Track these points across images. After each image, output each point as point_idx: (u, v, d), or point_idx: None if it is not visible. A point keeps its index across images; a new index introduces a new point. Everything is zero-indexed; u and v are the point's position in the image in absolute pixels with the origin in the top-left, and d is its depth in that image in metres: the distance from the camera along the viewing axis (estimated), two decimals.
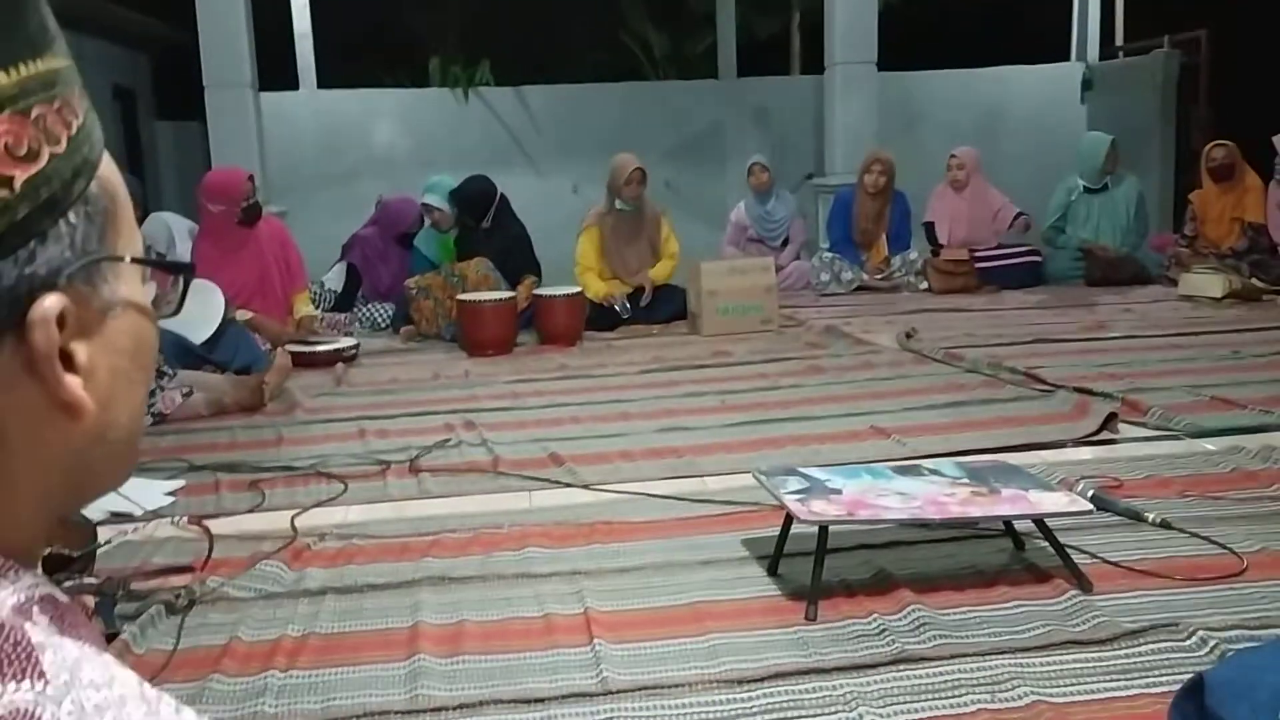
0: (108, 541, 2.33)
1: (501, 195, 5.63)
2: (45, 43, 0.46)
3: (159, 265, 0.53)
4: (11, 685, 0.42)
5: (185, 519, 2.57)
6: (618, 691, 1.73)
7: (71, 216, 0.47)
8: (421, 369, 4.63)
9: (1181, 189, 7.40)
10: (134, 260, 0.51)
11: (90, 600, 1.91)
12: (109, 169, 0.50)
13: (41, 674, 0.43)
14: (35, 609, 0.45)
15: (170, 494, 2.82)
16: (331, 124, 7.92)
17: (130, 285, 0.51)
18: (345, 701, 1.73)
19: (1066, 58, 8.81)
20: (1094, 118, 8.23)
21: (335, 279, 5.91)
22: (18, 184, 0.44)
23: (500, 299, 4.99)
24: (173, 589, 2.08)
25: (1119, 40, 8.97)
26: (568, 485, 2.87)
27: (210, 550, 2.34)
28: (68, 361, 0.47)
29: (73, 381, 0.47)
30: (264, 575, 2.25)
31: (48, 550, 1.96)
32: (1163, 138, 8.11)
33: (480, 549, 2.40)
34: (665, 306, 5.59)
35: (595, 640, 1.91)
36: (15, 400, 0.46)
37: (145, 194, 4.53)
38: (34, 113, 0.45)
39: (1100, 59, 8.71)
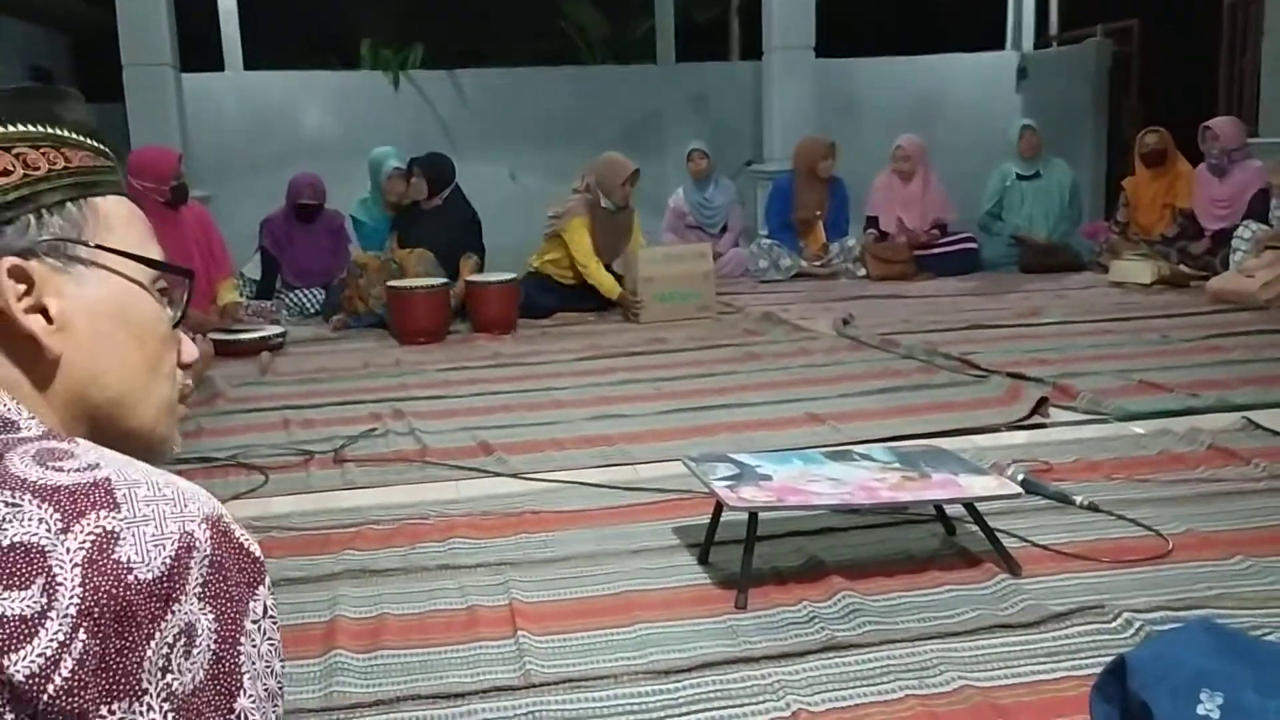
0: None
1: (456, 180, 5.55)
2: (60, 121, 0.72)
3: (137, 259, 0.72)
4: (54, 440, 0.62)
5: None
6: (541, 685, 1.68)
7: (45, 215, 0.68)
8: (351, 358, 4.53)
9: (1114, 177, 7.50)
10: (99, 247, 0.70)
11: None
12: (119, 205, 0.74)
13: (74, 442, 0.62)
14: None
15: None
16: (259, 107, 7.71)
17: (124, 270, 0.71)
18: None
19: (1002, 46, 8.89)
20: (1029, 106, 8.31)
21: (253, 268, 5.76)
22: None
23: (433, 286, 4.90)
24: None
25: (1053, 30, 9.07)
26: (496, 474, 2.81)
27: None
28: (45, 313, 0.67)
29: (33, 320, 0.66)
30: None
31: None
32: (1095, 126, 8.22)
33: (404, 541, 2.34)
34: (599, 297, 5.52)
35: (520, 632, 1.86)
36: (6, 329, 0.66)
37: None
38: (15, 150, 0.68)
39: (1035, 48, 8.81)
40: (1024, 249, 6.42)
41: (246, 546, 0.61)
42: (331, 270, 5.62)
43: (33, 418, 0.65)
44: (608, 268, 5.46)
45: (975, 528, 2.14)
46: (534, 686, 1.68)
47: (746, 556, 1.99)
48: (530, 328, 5.12)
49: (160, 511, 0.57)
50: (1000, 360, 3.83)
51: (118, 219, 0.73)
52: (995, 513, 2.21)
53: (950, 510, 2.23)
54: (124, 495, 0.57)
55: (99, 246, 0.70)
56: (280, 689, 0.64)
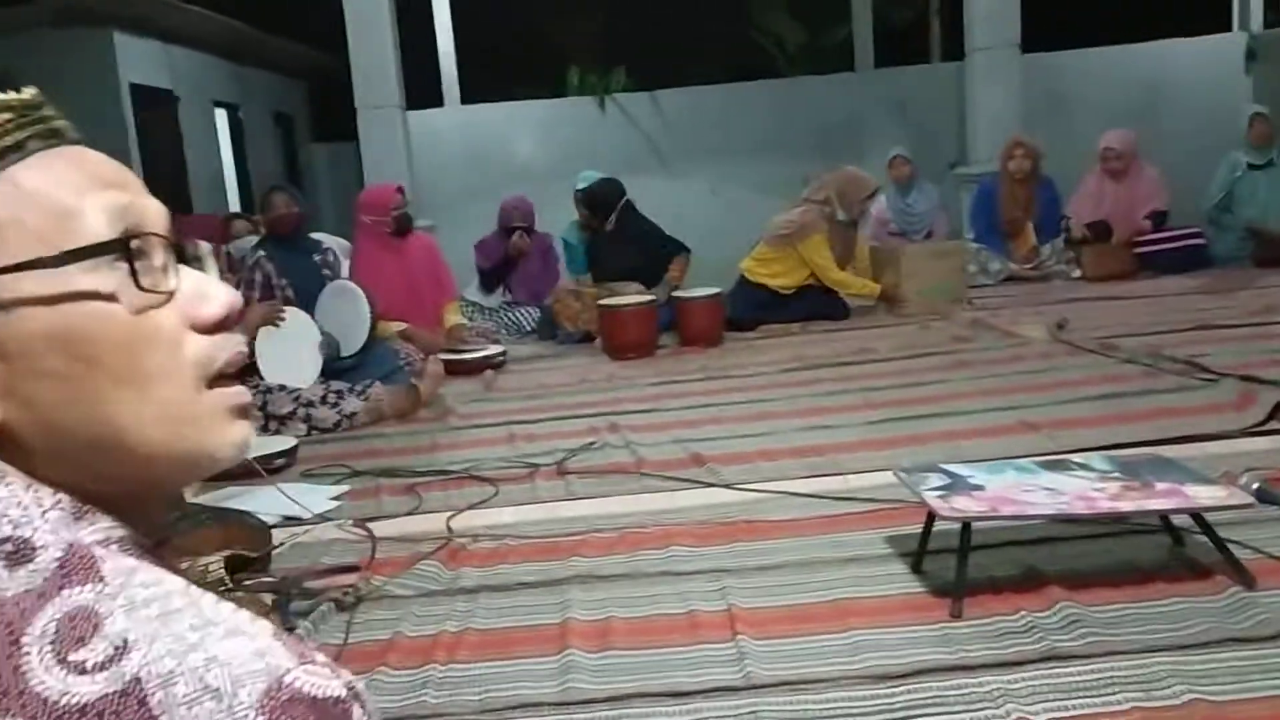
0: (282, 544, 2.50)
1: (627, 199, 5.71)
2: None
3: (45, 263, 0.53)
4: (76, 589, 0.51)
5: (350, 522, 2.73)
6: (761, 686, 1.76)
7: None
8: (566, 374, 4.75)
9: None
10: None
11: (268, 598, 2.06)
12: (31, 174, 0.55)
13: (100, 578, 0.52)
14: (113, 545, 0.54)
15: (335, 498, 3.00)
16: (476, 138, 8.18)
17: (38, 285, 0.53)
18: (501, 694, 1.81)
19: (1228, 28, 8.34)
20: (1259, 90, 7.77)
21: (474, 290, 6.12)
22: None
23: (641, 303, 5.07)
24: (341, 587, 2.22)
25: None
26: (710, 485, 2.91)
27: (374, 551, 2.49)
28: None
29: None
30: (423, 574, 2.37)
31: (228, 551, 2.12)
32: None
33: (626, 548, 2.47)
34: (806, 307, 5.56)
35: (739, 636, 1.94)
36: None
37: (305, 204, 4.77)
38: None
39: (1265, 27, 8.21)
40: (1258, 242, 6.01)
41: (323, 697, 0.50)
42: (544, 290, 5.91)
43: (42, 511, 0.54)
44: None
45: (1204, 539, 2.07)
46: (755, 688, 1.76)
47: (961, 565, 2.00)
48: (736, 340, 5.22)
49: (205, 713, 0.48)
50: (1232, 362, 3.63)
51: (24, 204, 0.54)
52: (1227, 523, 2.13)
53: (1178, 521, 2.17)
54: (160, 702, 0.48)
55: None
56: None
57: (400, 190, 5.14)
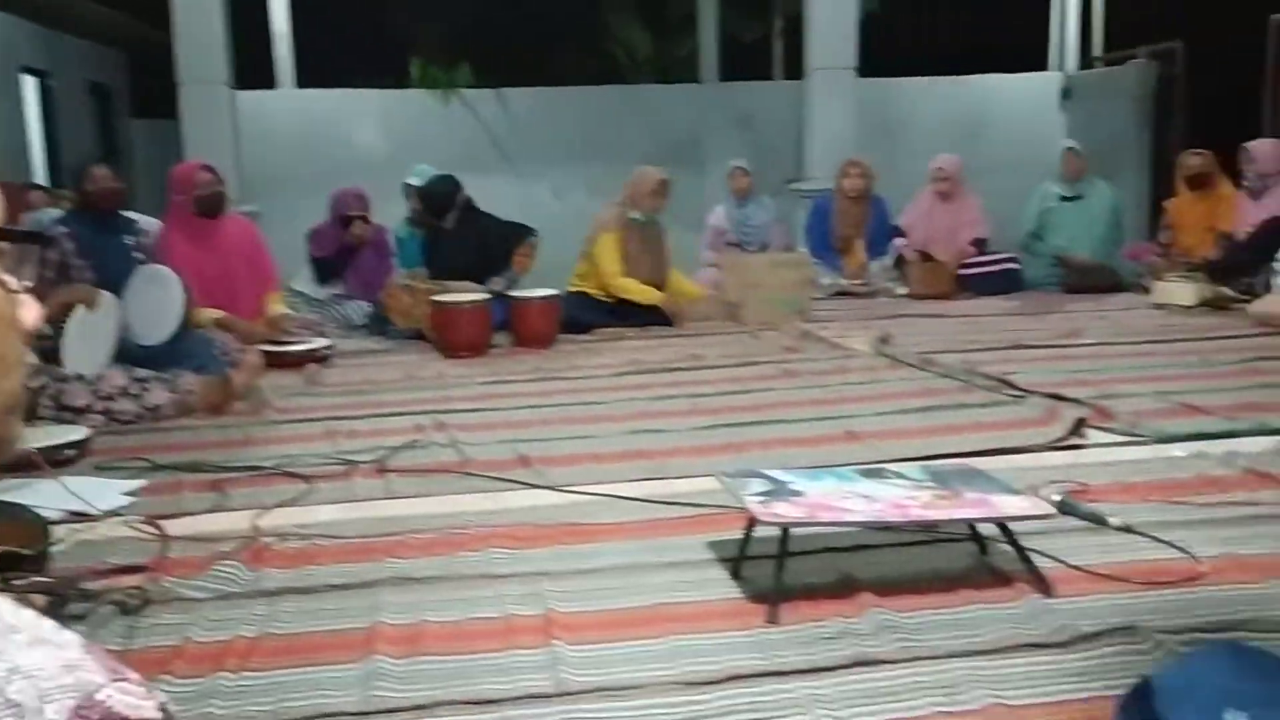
0: (61, 540, 2.30)
1: (467, 197, 5.61)
2: None
3: None
4: None
5: (140, 518, 2.54)
6: (574, 693, 1.72)
7: None
8: (395, 370, 4.61)
9: (1157, 198, 7.44)
10: None
11: (41, 599, 1.88)
12: None
13: None
14: None
15: (129, 494, 2.79)
16: (310, 124, 7.88)
17: None
18: (298, 703, 1.71)
19: (1045, 67, 8.86)
20: (1072, 127, 8.28)
21: (302, 281, 5.88)
22: None
23: (475, 301, 4.97)
24: (125, 589, 2.05)
25: (1097, 51, 9.02)
26: (535, 486, 2.85)
27: (165, 549, 2.32)
28: None
29: None
30: (221, 576, 2.22)
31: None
32: (1139, 147, 8.15)
33: (444, 550, 2.39)
34: (643, 312, 5.58)
35: (554, 642, 1.89)
36: None
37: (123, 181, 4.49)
38: None
39: (1079, 69, 8.77)
40: (1066, 269, 6.38)
41: (136, 719, 0.48)
42: (377, 284, 5.72)
43: None
44: (654, 284, 5.53)
45: (1009, 547, 2.14)
46: (567, 695, 1.71)
47: (778, 572, 2.01)
48: (571, 343, 5.17)
49: None
50: (1039, 381, 3.82)
51: None
52: (1029, 533, 2.22)
53: (984, 530, 2.24)
54: None
55: None
56: None
57: (208, 169, 4.86)
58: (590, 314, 5.49)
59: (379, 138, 8.03)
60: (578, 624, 1.98)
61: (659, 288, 5.59)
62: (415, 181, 6.05)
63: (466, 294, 5.07)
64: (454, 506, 2.71)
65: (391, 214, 6.16)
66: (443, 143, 7.67)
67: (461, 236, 5.50)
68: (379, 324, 5.49)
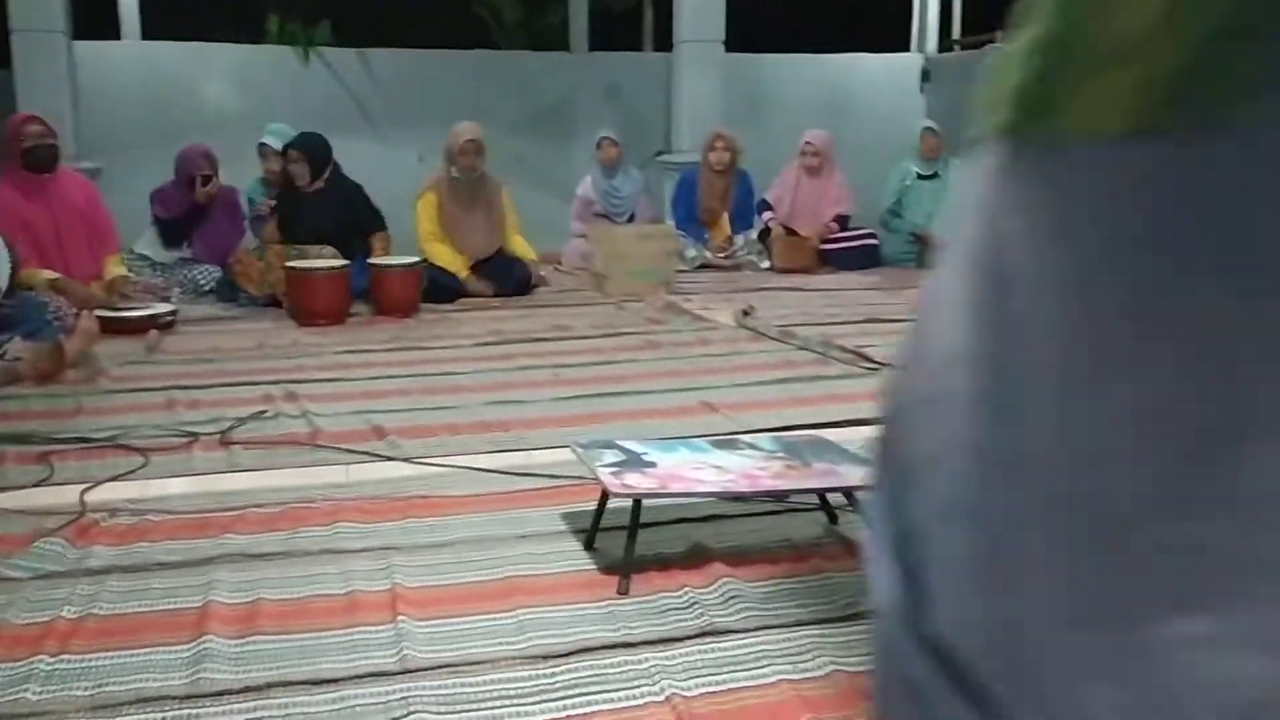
0: None
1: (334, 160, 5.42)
2: None
3: None
4: None
5: None
6: (416, 670, 1.67)
7: None
8: (245, 338, 4.42)
9: None
10: None
11: None
12: None
13: None
14: None
15: None
16: (157, 78, 7.47)
17: None
18: (118, 688, 1.61)
19: (907, 49, 9.07)
20: (931, 107, 8.51)
21: (145, 243, 5.59)
22: None
23: (333, 267, 4.81)
24: None
25: (955, 34, 9.28)
26: (388, 458, 2.78)
27: None
28: None
29: None
30: (43, 554, 2.09)
31: None
32: None
33: (288, 525, 2.30)
34: (507, 279, 5.51)
35: (400, 617, 1.84)
36: None
37: None
38: None
39: (939, 51, 9.01)
40: (922, 246, 6.57)
41: None
42: (228, 248, 5.48)
43: None
44: (473, 249, 5.44)
45: (856, 516, 2.19)
46: (410, 672, 1.67)
47: (629, 542, 2.00)
48: (433, 312, 5.06)
49: None
50: (893, 354, 3.91)
51: None
52: None
53: (834, 500, 2.28)
54: None
55: None
56: None
57: (37, 120, 4.56)
58: (454, 282, 5.38)
59: (231, 95, 7.67)
60: (425, 599, 1.94)
61: (491, 251, 5.51)
62: (271, 141, 5.81)
63: (323, 260, 4.90)
64: (301, 480, 2.61)
65: (244, 175, 5.90)
66: (301, 102, 7.37)
67: (327, 200, 5.30)
68: (229, 290, 5.27)
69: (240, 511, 2.36)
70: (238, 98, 7.63)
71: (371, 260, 5.10)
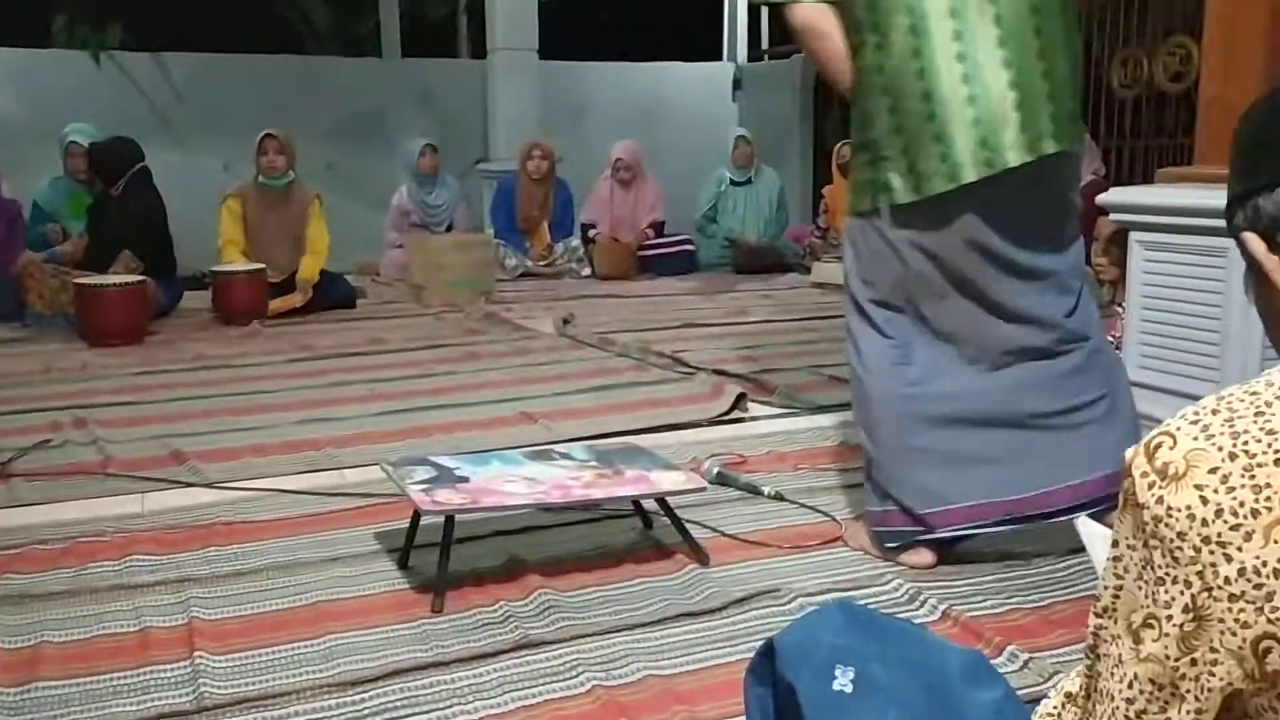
0: None
1: (144, 166, 5.14)
2: None
3: None
4: None
5: None
6: (214, 708, 1.60)
7: None
8: (29, 361, 4.14)
9: (817, 184, 8.02)
10: None
11: None
12: None
13: None
14: None
15: None
16: None
17: None
18: None
19: (720, 58, 9.30)
20: (744, 115, 8.75)
21: None
22: None
23: (127, 283, 4.55)
24: None
25: (765, 44, 9.57)
26: (188, 484, 2.65)
27: None
28: None
29: None
30: None
31: None
32: (801, 136, 8.74)
33: (74, 561, 2.16)
34: (328, 294, 5.35)
35: (196, 653, 1.75)
36: None
37: None
38: None
39: (749, 60, 9.27)
40: (736, 251, 6.75)
41: None
42: (10, 262, 5.11)
43: None
44: (275, 265, 5.25)
45: (670, 521, 2.22)
46: (206, 710, 1.59)
47: (443, 560, 1.97)
48: (238, 328, 4.86)
49: None
50: (708, 358, 4.00)
51: None
52: (690, 505, 2.31)
53: (648, 505, 2.30)
54: None
55: None
56: None
57: None
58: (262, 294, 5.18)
59: (17, 101, 7.15)
60: (226, 631, 1.85)
61: (291, 258, 5.31)
62: (79, 139, 5.48)
63: (118, 275, 4.63)
64: (90, 512, 2.46)
65: (27, 185, 5.51)
66: (92, 108, 6.92)
67: (125, 210, 5.02)
68: (14, 307, 4.91)
69: (20, 550, 2.20)
70: (23, 104, 7.12)
71: (215, 268, 5.03)
